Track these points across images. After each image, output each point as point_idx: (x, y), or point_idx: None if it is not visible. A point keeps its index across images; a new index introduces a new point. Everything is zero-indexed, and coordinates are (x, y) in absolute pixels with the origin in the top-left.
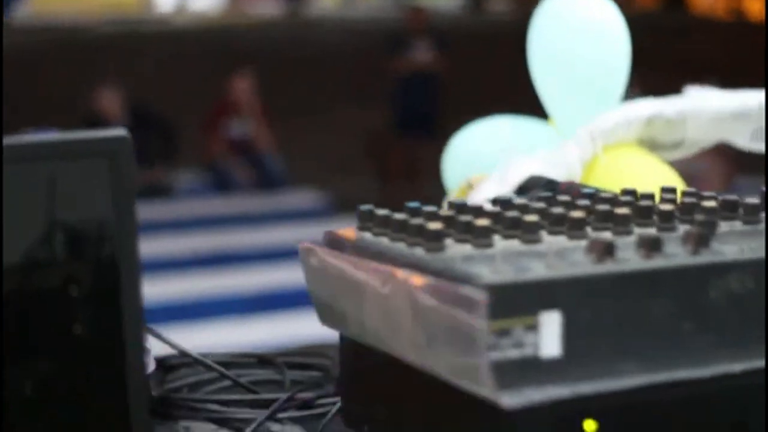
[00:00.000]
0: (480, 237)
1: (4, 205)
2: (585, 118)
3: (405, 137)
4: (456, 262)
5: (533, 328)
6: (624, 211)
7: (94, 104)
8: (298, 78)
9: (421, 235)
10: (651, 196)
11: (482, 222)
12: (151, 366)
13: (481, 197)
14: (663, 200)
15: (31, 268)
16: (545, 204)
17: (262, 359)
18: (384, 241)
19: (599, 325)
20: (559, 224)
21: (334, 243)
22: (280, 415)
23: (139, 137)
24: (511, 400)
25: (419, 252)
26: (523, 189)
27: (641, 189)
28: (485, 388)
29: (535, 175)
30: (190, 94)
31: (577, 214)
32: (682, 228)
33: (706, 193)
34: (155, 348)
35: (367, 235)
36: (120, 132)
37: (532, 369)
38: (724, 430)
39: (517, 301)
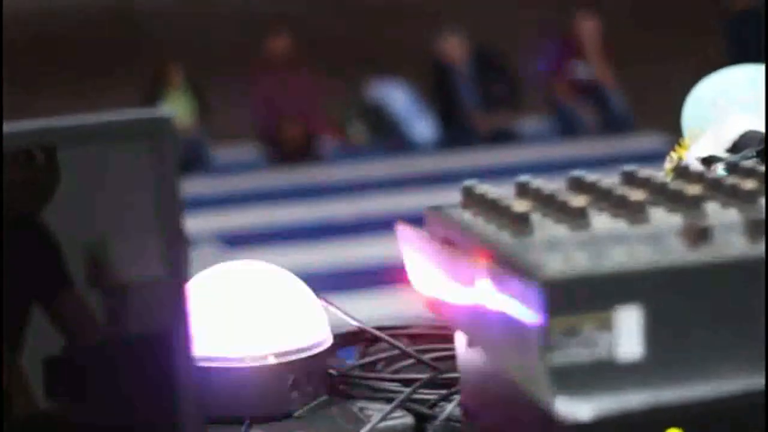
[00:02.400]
0: (575, 217)
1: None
2: None
3: None
4: (527, 249)
5: (607, 326)
6: (752, 185)
7: (440, 50)
8: (638, 14)
9: (507, 217)
10: None
11: (577, 201)
12: (327, 341)
13: (693, 156)
14: None
15: (68, 255)
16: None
17: None
18: (478, 221)
19: (688, 321)
20: (677, 201)
21: (430, 222)
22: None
23: (484, 82)
24: (576, 410)
25: (504, 236)
26: (736, 147)
27: None
28: (545, 397)
29: (750, 131)
30: (534, 35)
31: (693, 189)
32: None
33: None
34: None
35: (466, 215)
36: (162, 112)
37: (606, 374)
38: None
39: (584, 296)
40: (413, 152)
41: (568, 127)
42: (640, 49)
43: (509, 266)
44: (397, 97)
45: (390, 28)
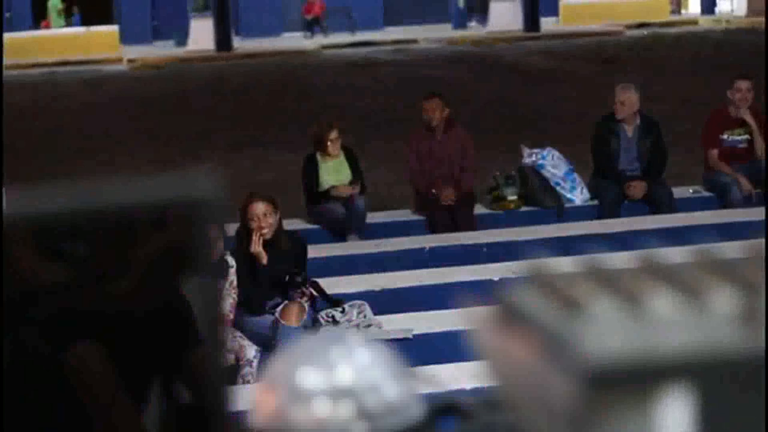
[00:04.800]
0: (628, 299)
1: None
2: None
3: None
4: (574, 329)
5: (645, 407)
6: None
7: (614, 105)
8: None
9: (561, 297)
10: None
11: (631, 283)
12: (413, 412)
13: None
14: None
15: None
16: None
17: None
18: (536, 299)
19: (735, 405)
20: (739, 285)
21: (496, 295)
22: None
23: (642, 148)
24: None
25: (556, 317)
26: None
27: None
28: None
29: None
30: (690, 103)
31: (756, 274)
32: None
33: None
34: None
35: (529, 299)
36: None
37: None
38: None
39: (626, 378)
40: (566, 216)
41: (721, 196)
42: None
43: (556, 345)
44: (550, 161)
45: (546, 92)
